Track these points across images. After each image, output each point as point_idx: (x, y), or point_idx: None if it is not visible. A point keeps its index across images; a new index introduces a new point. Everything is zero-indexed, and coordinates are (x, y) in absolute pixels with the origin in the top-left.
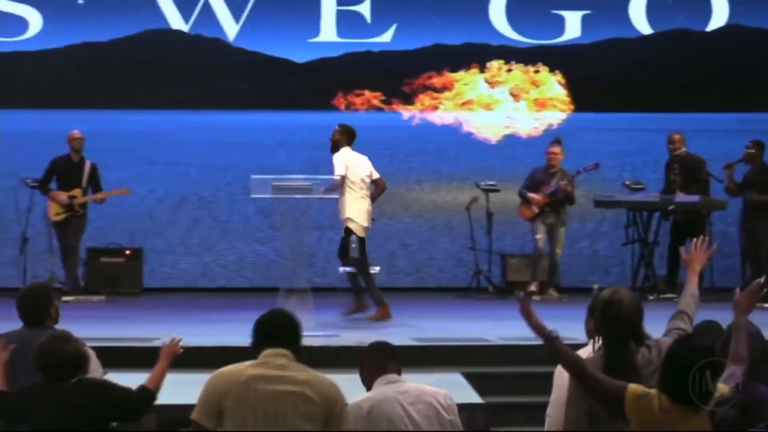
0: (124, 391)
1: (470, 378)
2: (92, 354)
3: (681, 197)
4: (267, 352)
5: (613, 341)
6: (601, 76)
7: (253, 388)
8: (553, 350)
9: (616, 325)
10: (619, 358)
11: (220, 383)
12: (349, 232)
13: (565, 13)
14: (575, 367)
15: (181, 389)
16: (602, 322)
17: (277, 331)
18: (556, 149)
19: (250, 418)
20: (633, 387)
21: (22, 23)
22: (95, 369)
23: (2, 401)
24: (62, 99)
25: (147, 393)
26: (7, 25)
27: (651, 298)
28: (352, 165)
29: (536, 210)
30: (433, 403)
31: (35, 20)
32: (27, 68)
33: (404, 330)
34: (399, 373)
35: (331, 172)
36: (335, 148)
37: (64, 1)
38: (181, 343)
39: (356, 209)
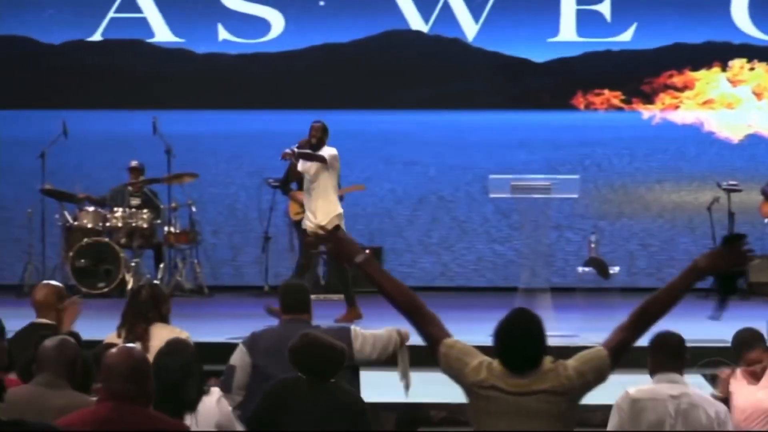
0: (363, 404)
1: (712, 379)
2: None
3: None
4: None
5: None
6: None
7: (495, 401)
8: None
9: None
10: None
11: (471, 355)
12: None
13: None
14: None
15: (418, 388)
16: None
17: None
18: None
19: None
20: None
21: (264, 25)
22: None
23: (252, 421)
24: (303, 99)
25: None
26: (251, 26)
27: None
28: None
29: None
30: (705, 416)
31: (277, 22)
32: (269, 69)
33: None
34: (681, 373)
35: (569, 171)
36: (320, 146)
37: (305, 2)
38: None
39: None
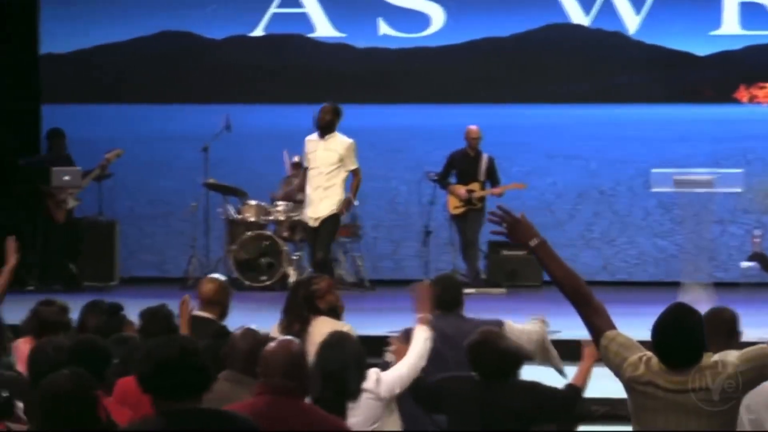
0: (552, 393)
1: None
2: None
3: None
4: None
5: None
6: None
7: (652, 397)
8: None
9: None
10: None
11: (629, 349)
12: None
13: None
14: None
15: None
16: None
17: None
18: None
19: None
20: None
21: (425, 19)
22: None
23: (420, 388)
24: (463, 94)
25: (575, 391)
26: (411, 21)
27: None
28: None
29: None
30: None
31: (438, 16)
32: (429, 64)
33: None
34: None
35: (732, 165)
36: (329, 129)
37: None
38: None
39: None
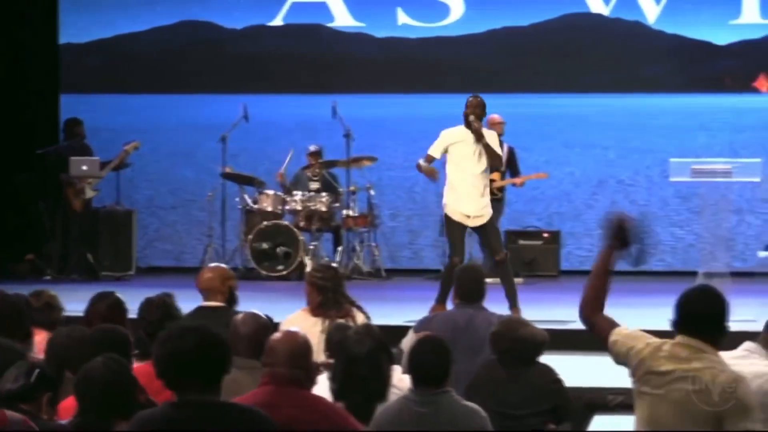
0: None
1: None
2: None
3: None
4: (678, 339)
5: None
6: None
7: (651, 383)
8: None
9: None
10: None
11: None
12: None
13: None
14: None
15: (595, 372)
16: None
17: (696, 316)
18: None
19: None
20: None
21: (444, 9)
22: None
23: None
24: (482, 83)
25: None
26: (430, 10)
27: None
28: None
29: None
30: None
31: (457, 6)
32: (448, 53)
33: None
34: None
35: (751, 155)
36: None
37: None
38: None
39: None
